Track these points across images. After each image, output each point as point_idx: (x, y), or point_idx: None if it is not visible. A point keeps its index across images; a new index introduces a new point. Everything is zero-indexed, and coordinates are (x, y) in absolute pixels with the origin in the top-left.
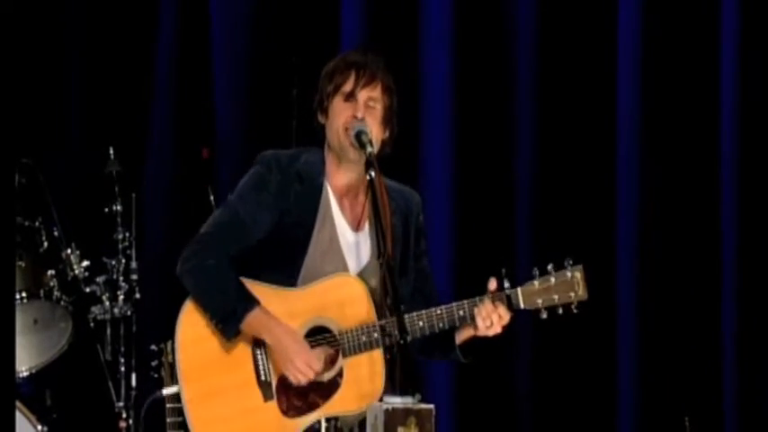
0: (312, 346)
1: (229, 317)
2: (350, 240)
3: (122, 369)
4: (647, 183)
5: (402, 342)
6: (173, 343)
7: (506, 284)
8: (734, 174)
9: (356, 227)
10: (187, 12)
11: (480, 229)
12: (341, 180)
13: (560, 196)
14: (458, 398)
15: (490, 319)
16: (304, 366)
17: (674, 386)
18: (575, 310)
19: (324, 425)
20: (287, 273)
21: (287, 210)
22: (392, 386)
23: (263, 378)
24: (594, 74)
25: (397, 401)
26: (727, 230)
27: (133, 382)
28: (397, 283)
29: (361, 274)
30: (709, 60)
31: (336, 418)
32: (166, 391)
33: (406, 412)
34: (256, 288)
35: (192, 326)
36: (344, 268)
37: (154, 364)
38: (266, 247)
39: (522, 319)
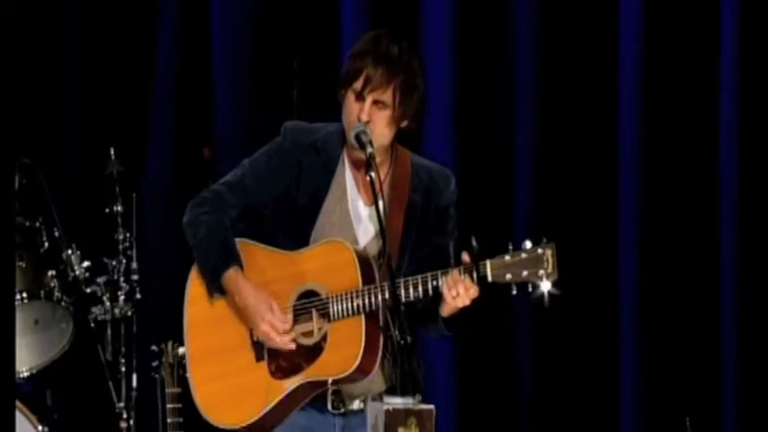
0: (303, 311)
1: (211, 274)
2: (362, 213)
3: (123, 369)
4: (648, 182)
5: (403, 343)
6: (168, 339)
7: (475, 250)
8: (734, 171)
9: (371, 201)
10: (188, 12)
11: (481, 233)
12: (358, 154)
13: (561, 195)
14: (458, 398)
15: (456, 289)
16: (268, 328)
17: (674, 387)
18: (546, 291)
19: (330, 397)
20: (297, 241)
21: (297, 179)
22: (393, 387)
23: (256, 338)
24: (595, 73)
25: (397, 402)
26: (727, 230)
27: (134, 383)
28: (406, 262)
29: (369, 246)
30: (710, 59)
31: (340, 392)
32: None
33: (407, 413)
34: (257, 250)
35: (200, 284)
36: (354, 240)
37: (154, 364)
38: (279, 214)
39: (523, 320)
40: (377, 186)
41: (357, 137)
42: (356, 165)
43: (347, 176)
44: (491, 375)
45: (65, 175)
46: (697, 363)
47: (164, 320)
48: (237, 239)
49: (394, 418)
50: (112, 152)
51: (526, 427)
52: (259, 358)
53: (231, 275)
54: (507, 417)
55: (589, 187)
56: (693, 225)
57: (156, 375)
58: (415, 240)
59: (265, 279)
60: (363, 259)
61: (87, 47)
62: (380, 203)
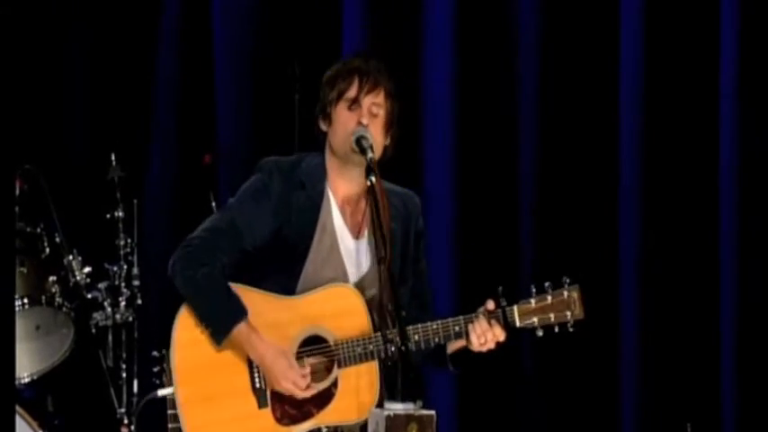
0: (307, 356)
1: (217, 325)
2: (350, 247)
3: (124, 375)
4: (648, 185)
5: (403, 349)
6: (168, 345)
7: (503, 302)
8: (734, 181)
9: (356, 234)
10: (189, 17)
11: (482, 235)
12: (342, 186)
13: (563, 199)
14: (459, 404)
15: (485, 336)
16: (291, 386)
17: (675, 393)
18: (571, 329)
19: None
20: (287, 279)
21: (287, 217)
22: (393, 392)
23: (257, 385)
24: (597, 76)
25: (398, 408)
26: (726, 241)
27: (135, 389)
28: (398, 290)
29: (361, 283)
30: (710, 64)
31: (336, 426)
32: (162, 392)
33: (408, 418)
34: (253, 296)
35: (188, 328)
36: (344, 275)
37: (155, 370)
38: (267, 252)
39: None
40: (377, 191)
41: (358, 141)
42: (340, 197)
43: (333, 211)
44: (492, 381)
45: (66, 181)
46: (697, 369)
47: (165, 326)
48: (232, 284)
49: (395, 423)
50: (113, 157)
51: None
52: (262, 405)
53: (242, 329)
54: (508, 422)
55: (590, 187)
56: (693, 230)
57: (158, 381)
58: (401, 271)
59: (265, 324)
60: (368, 304)
61: (89, 52)
62: (380, 212)
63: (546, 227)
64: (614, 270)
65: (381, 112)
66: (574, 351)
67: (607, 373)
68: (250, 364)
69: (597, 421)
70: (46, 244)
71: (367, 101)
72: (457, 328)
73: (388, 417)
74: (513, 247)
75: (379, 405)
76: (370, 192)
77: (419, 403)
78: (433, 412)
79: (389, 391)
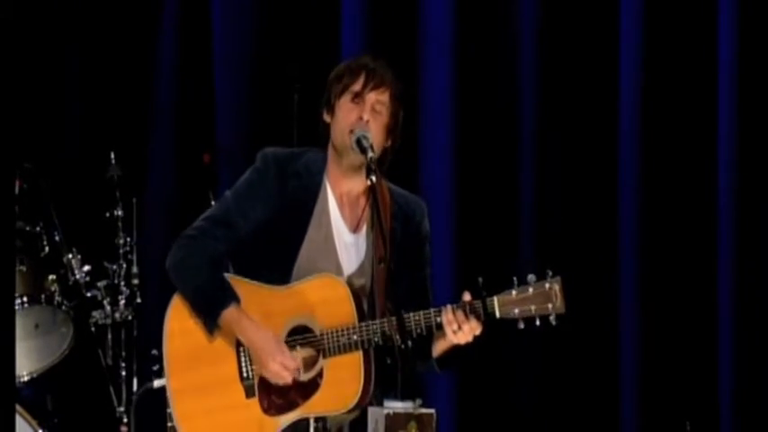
0: (293, 346)
1: (208, 312)
2: (346, 240)
3: (123, 374)
4: (648, 188)
5: (403, 347)
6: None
7: (483, 293)
8: (732, 178)
9: (354, 228)
10: (188, 17)
11: (482, 233)
12: (342, 180)
13: (563, 199)
14: (459, 403)
15: (458, 326)
16: (279, 368)
17: (675, 393)
18: (553, 323)
19: (312, 425)
20: (280, 269)
21: (281, 206)
22: (393, 390)
23: (245, 375)
24: (596, 77)
25: (397, 406)
26: (724, 241)
27: (134, 387)
28: (396, 289)
29: (353, 276)
30: (709, 65)
31: (324, 419)
32: (157, 383)
33: (407, 417)
34: (242, 285)
35: (179, 318)
36: (337, 268)
37: (155, 368)
38: (261, 242)
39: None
40: (377, 192)
41: (358, 141)
42: (339, 190)
43: (330, 203)
44: (492, 380)
45: (65, 180)
46: (696, 368)
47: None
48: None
49: (394, 422)
50: (113, 156)
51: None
52: (249, 395)
53: (233, 313)
54: (508, 422)
55: (591, 191)
56: (692, 230)
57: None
58: (395, 272)
59: (255, 314)
60: (356, 295)
61: (87, 51)
62: (380, 212)
63: (545, 226)
64: (614, 270)
65: (384, 112)
66: (574, 350)
67: (607, 372)
68: (238, 354)
69: (597, 420)
70: (45, 243)
71: (371, 96)
72: (438, 319)
73: (388, 415)
74: (512, 246)
75: (364, 396)
76: (371, 192)
77: (418, 401)
78: (432, 411)
79: (389, 389)
